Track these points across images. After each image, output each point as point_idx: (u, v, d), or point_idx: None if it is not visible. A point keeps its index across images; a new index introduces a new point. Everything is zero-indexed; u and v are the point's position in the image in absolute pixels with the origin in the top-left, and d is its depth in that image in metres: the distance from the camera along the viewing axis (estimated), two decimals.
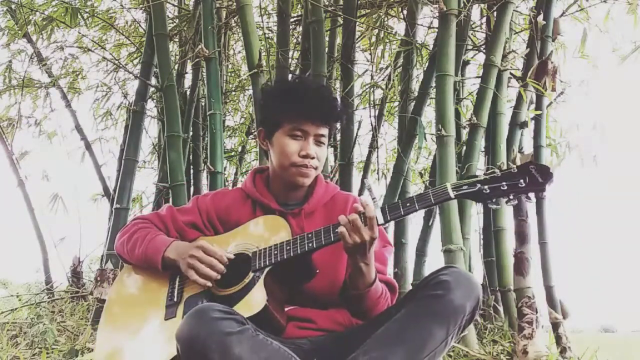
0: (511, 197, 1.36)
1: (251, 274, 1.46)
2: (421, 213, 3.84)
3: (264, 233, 1.54)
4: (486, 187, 1.36)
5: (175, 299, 1.52)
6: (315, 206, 1.61)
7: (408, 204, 1.39)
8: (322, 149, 1.59)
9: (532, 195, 1.36)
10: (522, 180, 1.34)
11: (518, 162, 3.03)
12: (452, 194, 1.36)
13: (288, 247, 1.45)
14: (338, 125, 1.72)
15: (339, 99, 1.74)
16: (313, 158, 1.55)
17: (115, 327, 1.57)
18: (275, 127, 1.59)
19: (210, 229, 1.65)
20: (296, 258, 1.44)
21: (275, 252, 1.45)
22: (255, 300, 1.39)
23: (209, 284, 1.46)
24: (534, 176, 1.33)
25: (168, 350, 1.35)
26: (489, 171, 1.39)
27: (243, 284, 1.45)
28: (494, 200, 1.37)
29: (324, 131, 1.58)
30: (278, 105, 1.59)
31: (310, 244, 1.43)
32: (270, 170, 1.66)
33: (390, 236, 3.42)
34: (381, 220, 1.39)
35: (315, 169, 1.57)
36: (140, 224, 1.65)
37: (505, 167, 1.40)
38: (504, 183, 1.35)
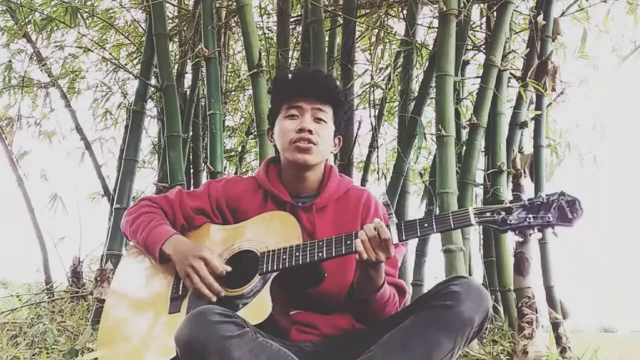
0: (535, 230, 1.29)
1: (258, 277, 1.44)
2: (421, 212, 3.84)
3: (274, 232, 1.51)
4: (511, 217, 1.29)
5: (180, 292, 1.50)
6: (328, 201, 1.59)
7: (426, 225, 1.34)
8: (322, 127, 1.57)
9: (558, 229, 1.27)
10: (549, 215, 1.26)
11: (518, 163, 3.03)
12: (473, 221, 1.30)
13: (297, 254, 1.41)
14: (343, 114, 1.66)
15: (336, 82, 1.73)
16: (311, 133, 1.53)
17: (120, 314, 1.56)
18: (276, 115, 1.62)
19: (219, 216, 1.63)
20: (305, 265, 1.42)
21: (284, 256, 1.42)
22: (261, 308, 1.37)
23: (213, 298, 1.42)
24: (563, 209, 1.25)
25: (170, 347, 1.33)
26: (516, 199, 1.32)
27: (249, 286, 1.43)
28: (517, 232, 1.30)
29: (322, 107, 1.57)
30: (276, 94, 1.65)
31: (320, 254, 1.40)
32: (281, 161, 1.65)
33: None
34: (395, 240, 1.35)
35: (316, 144, 1.54)
36: (147, 206, 1.63)
37: (529, 196, 1.27)
38: (530, 215, 1.27)
